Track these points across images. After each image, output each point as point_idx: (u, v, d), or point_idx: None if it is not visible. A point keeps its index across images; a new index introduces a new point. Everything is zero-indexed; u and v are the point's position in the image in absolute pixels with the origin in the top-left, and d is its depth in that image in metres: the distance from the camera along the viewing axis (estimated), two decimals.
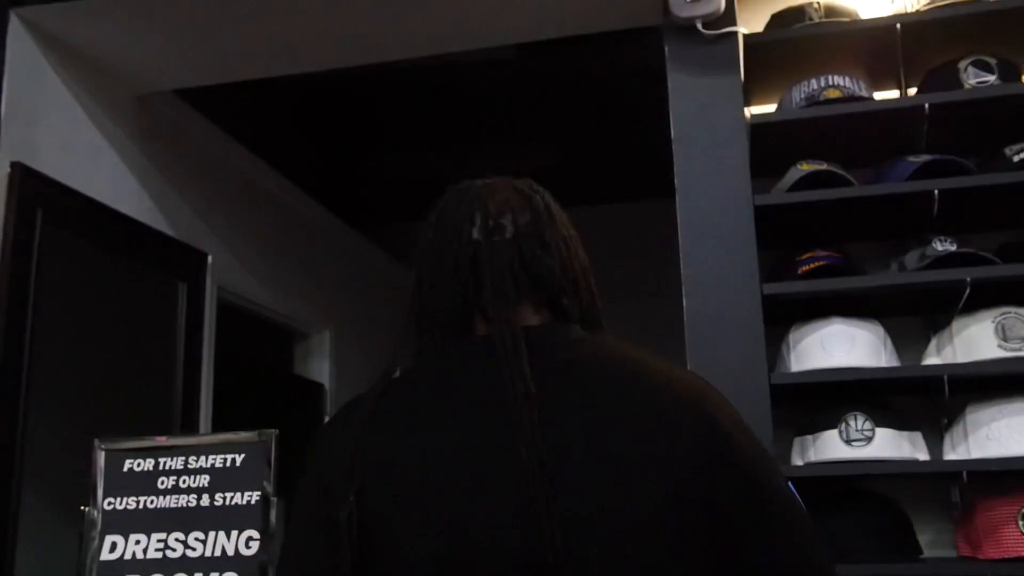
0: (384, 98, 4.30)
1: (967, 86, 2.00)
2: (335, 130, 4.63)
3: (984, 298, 1.92)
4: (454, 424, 0.94)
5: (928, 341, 2.14)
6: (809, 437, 2.02)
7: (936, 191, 1.90)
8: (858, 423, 1.95)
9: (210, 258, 3.16)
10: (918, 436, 1.99)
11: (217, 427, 3.06)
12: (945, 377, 1.86)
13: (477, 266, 0.99)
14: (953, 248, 1.96)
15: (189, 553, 1.78)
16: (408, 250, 1.09)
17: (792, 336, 2.06)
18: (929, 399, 2.09)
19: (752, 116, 2.07)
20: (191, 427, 2.91)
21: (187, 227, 3.16)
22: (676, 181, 2.06)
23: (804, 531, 0.94)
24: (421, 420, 0.95)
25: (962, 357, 1.94)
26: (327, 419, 1.29)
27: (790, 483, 0.98)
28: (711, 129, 2.06)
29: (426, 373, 1.01)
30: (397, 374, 1.02)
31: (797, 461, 2.02)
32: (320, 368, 4.17)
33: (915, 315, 2.19)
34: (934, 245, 2.00)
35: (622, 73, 3.94)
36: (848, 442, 1.95)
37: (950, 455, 1.98)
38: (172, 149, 3.18)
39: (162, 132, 3.12)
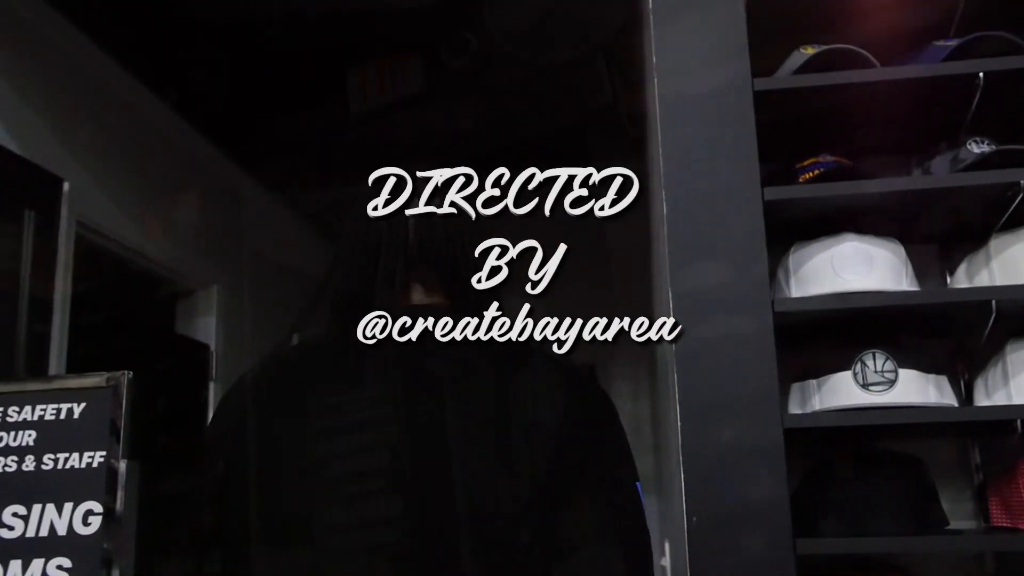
0: (297, 51, 3.78)
1: None
2: (250, 83, 4.10)
3: None
4: (329, 397, 1.05)
5: (943, 274, 1.79)
6: (813, 382, 1.64)
7: (981, 74, 1.53)
8: (877, 363, 1.58)
9: (67, 185, 2.60)
10: (944, 381, 1.61)
11: None
12: (994, 303, 1.49)
13: (378, 249, 1.08)
14: (993, 148, 1.60)
15: (4, 534, 1.33)
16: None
17: (792, 258, 1.67)
18: (952, 338, 1.74)
19: None
20: None
21: (37, 145, 2.58)
22: (655, 62, 1.64)
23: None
24: (299, 392, 1.07)
25: (1002, 282, 1.58)
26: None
27: (639, 485, 1.10)
28: None
29: (312, 348, 1.12)
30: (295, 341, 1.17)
31: (796, 410, 1.63)
32: (207, 328, 3.62)
33: (927, 243, 1.84)
34: (969, 147, 1.63)
35: None
36: (865, 386, 1.57)
37: (983, 403, 1.62)
38: (17, 47, 2.59)
39: (3, 24, 2.54)
